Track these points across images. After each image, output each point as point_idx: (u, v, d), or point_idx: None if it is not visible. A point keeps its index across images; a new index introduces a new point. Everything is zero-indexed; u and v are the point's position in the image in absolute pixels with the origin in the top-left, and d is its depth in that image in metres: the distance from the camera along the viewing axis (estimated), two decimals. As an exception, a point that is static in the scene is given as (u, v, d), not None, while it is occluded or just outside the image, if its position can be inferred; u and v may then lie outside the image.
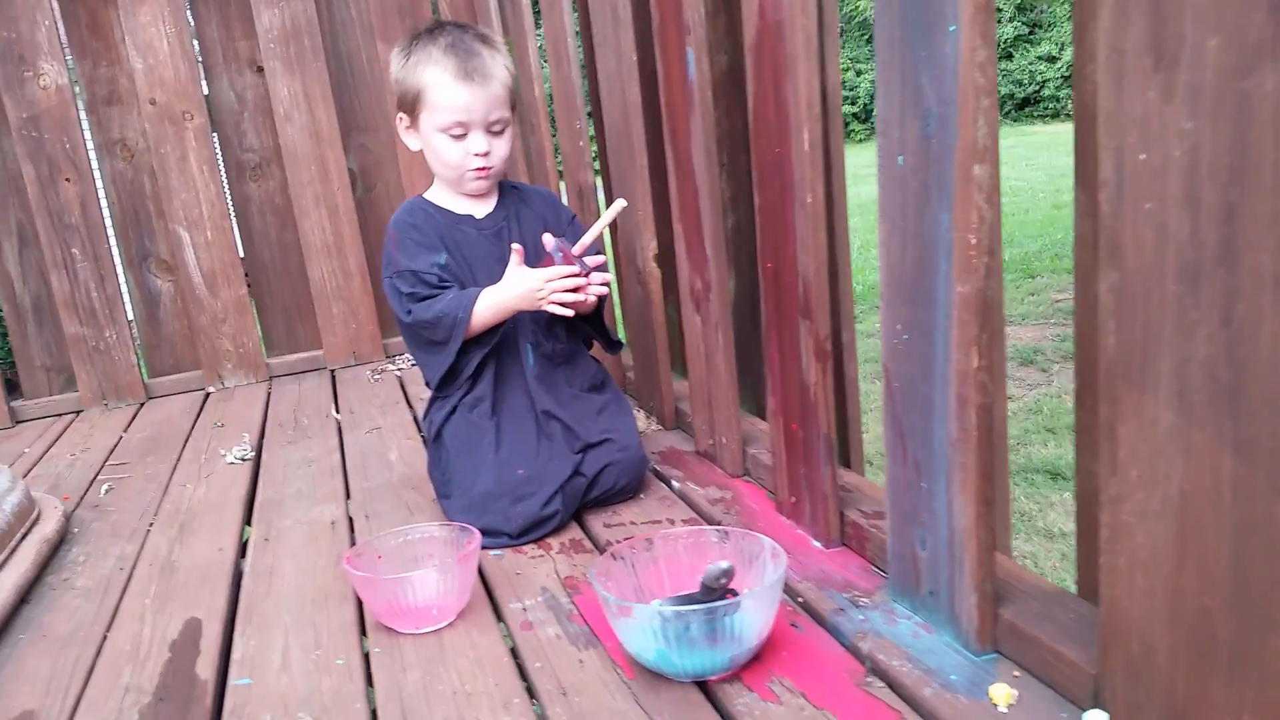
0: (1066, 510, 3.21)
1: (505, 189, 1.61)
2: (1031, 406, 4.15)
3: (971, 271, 0.92)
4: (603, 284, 1.47)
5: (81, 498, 1.85)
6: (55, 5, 2.50)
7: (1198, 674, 0.75)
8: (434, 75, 1.46)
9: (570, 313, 1.45)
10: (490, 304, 1.45)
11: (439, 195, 1.58)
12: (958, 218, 0.92)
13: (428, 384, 1.55)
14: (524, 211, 1.59)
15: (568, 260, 1.43)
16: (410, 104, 1.51)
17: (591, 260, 1.45)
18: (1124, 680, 0.82)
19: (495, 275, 1.51)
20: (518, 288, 1.44)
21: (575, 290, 1.44)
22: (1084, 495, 1.17)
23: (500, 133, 1.50)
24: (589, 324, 1.58)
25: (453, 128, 1.48)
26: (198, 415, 2.38)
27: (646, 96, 1.67)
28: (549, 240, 1.46)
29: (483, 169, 1.50)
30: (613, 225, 1.97)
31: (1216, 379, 0.68)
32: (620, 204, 1.48)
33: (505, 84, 1.50)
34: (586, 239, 1.46)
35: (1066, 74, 16.63)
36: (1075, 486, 1.21)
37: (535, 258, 1.52)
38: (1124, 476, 0.78)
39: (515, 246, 1.46)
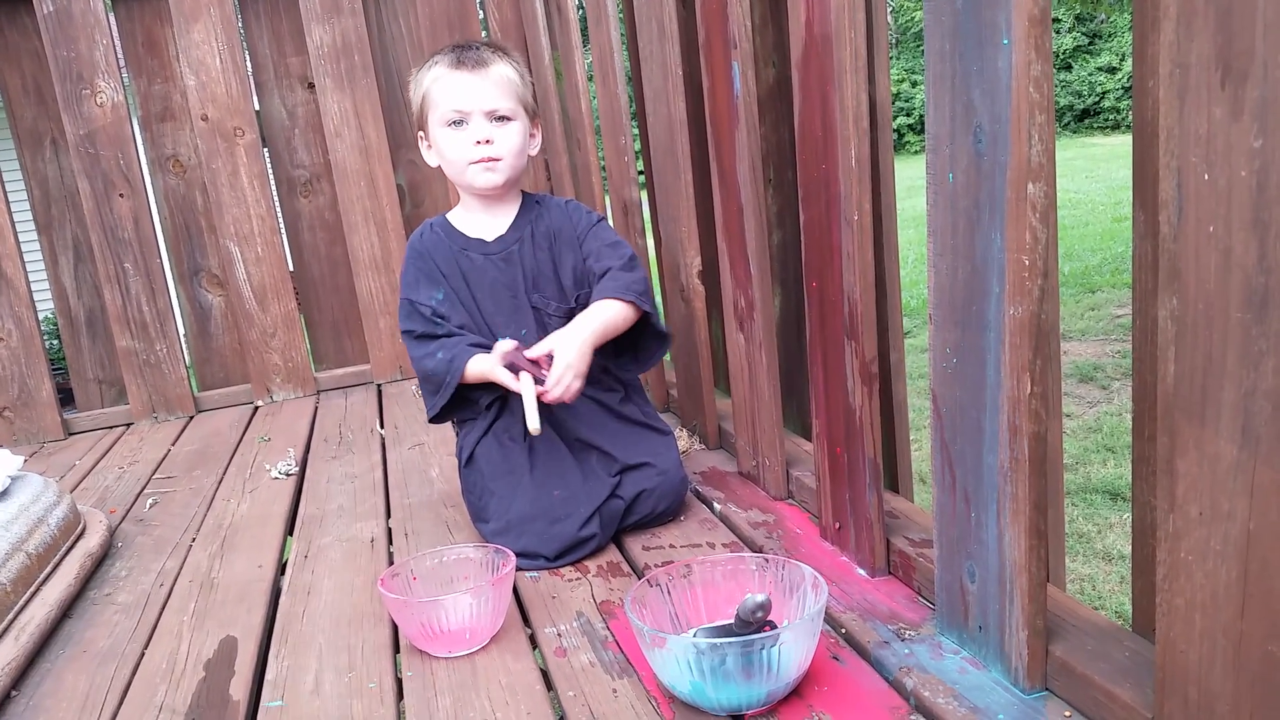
0: (1126, 532, 3.12)
1: (528, 203, 1.56)
2: (1091, 425, 4.05)
3: (1024, 294, 0.88)
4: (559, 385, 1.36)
5: (127, 511, 1.86)
6: (113, 24, 2.54)
7: (1264, 726, 0.70)
8: (433, 74, 1.47)
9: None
10: (476, 373, 1.43)
11: (458, 213, 1.57)
12: (1010, 238, 0.88)
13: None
14: (538, 230, 1.53)
15: (532, 369, 1.37)
16: (420, 115, 1.50)
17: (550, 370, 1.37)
18: (1183, 728, 0.78)
19: (501, 302, 1.49)
20: (498, 375, 1.39)
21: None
22: (1141, 526, 1.12)
23: (504, 124, 1.46)
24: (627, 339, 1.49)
25: (451, 115, 1.45)
26: (245, 429, 2.40)
27: (692, 111, 1.64)
28: (502, 350, 1.39)
29: (487, 159, 1.46)
30: (656, 235, 1.95)
31: (1286, 413, 0.64)
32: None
33: (508, 78, 1.47)
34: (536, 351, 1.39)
35: (1127, 85, 16.34)
36: (1132, 516, 1.16)
37: (541, 282, 1.51)
38: (1183, 513, 0.74)
39: (502, 348, 1.39)
